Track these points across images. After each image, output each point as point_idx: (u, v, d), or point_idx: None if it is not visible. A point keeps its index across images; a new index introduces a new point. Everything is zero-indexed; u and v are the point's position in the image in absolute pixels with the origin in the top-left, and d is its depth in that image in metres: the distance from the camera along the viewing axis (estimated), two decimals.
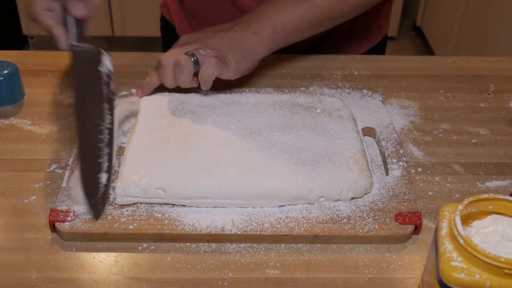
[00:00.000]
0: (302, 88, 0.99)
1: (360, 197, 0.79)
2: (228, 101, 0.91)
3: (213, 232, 0.74)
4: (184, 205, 0.77)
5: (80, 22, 0.86)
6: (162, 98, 0.91)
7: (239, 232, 0.74)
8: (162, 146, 0.82)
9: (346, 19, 0.98)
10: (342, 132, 0.85)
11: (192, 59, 0.86)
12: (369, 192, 0.80)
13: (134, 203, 0.77)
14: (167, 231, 0.74)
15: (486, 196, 0.63)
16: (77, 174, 0.77)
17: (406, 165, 0.84)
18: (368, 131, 0.90)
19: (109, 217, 0.75)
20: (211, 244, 0.74)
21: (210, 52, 0.87)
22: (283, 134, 0.84)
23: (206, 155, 0.80)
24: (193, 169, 0.78)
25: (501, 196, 0.63)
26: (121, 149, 0.85)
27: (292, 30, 0.92)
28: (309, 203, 0.78)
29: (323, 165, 0.79)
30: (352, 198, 0.78)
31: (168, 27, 1.29)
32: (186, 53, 0.87)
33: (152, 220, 0.75)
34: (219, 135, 0.84)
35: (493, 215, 0.64)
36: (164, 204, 0.77)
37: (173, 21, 1.25)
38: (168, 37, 1.32)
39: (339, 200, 0.78)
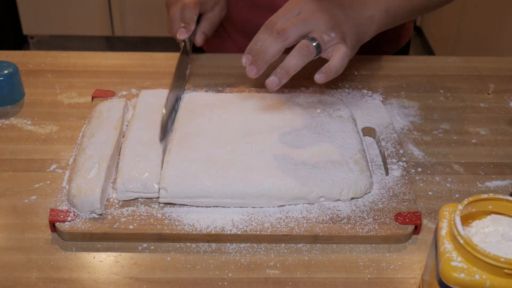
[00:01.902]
0: (302, 88, 0.99)
1: (360, 197, 0.79)
2: (228, 101, 0.91)
3: (213, 232, 0.74)
4: (184, 205, 0.77)
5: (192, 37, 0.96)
6: (160, 94, 0.91)
7: (239, 232, 0.74)
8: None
9: (440, 6, 0.97)
10: (342, 132, 0.85)
11: (314, 44, 0.77)
12: (369, 192, 0.80)
13: (134, 199, 0.77)
14: (167, 231, 0.74)
15: (486, 196, 0.63)
16: (79, 182, 0.76)
17: (406, 165, 0.84)
18: (368, 131, 0.90)
19: (109, 217, 0.75)
20: (211, 244, 0.74)
21: (334, 38, 0.78)
22: (283, 134, 0.84)
23: (206, 154, 0.80)
24: (192, 168, 0.78)
25: (501, 196, 0.63)
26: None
27: (401, 13, 0.90)
28: (309, 203, 0.78)
29: (323, 165, 0.79)
30: (352, 198, 0.78)
31: None
32: (308, 38, 0.77)
33: (152, 220, 0.75)
34: (218, 134, 0.84)
35: (493, 215, 0.64)
36: (163, 204, 0.77)
37: None
38: None
39: (339, 200, 0.78)
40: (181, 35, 0.93)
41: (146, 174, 0.77)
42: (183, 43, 0.94)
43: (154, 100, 0.90)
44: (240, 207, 0.77)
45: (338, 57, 0.77)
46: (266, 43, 0.77)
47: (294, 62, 0.76)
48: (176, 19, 0.94)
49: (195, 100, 0.91)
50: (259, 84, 1.00)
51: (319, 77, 0.76)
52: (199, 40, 0.97)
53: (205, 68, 1.05)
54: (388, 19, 0.88)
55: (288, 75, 0.76)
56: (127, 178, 0.77)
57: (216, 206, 0.77)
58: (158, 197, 0.77)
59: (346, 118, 0.88)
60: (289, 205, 0.77)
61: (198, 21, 0.96)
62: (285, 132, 0.85)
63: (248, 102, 0.91)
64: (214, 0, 0.99)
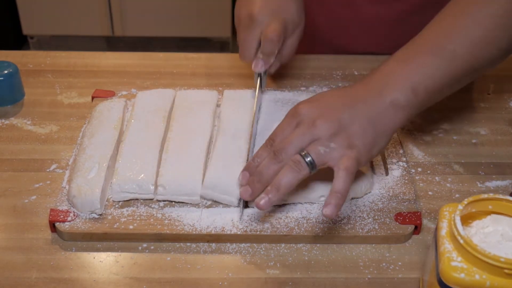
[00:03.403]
0: (302, 88, 0.99)
1: (360, 197, 0.79)
2: (226, 98, 0.91)
3: (213, 232, 0.74)
4: (184, 205, 0.77)
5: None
6: (157, 94, 0.91)
7: (239, 232, 0.74)
8: (158, 142, 0.82)
9: (492, 68, 0.79)
10: None
11: (307, 160, 0.69)
12: (369, 192, 0.79)
13: (131, 200, 0.77)
14: (167, 231, 0.74)
15: (486, 196, 0.63)
16: (79, 182, 0.76)
17: (406, 165, 0.84)
18: None
19: (109, 217, 0.75)
20: (211, 244, 0.74)
21: (334, 148, 0.69)
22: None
23: (204, 151, 0.80)
24: (190, 165, 0.78)
25: (501, 196, 0.63)
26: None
27: (435, 89, 0.74)
28: (309, 203, 0.78)
29: None
30: (352, 198, 0.78)
31: None
32: (301, 154, 0.69)
33: (152, 220, 0.75)
34: (217, 131, 0.84)
35: (493, 215, 0.64)
36: (163, 203, 0.77)
37: None
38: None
39: None
40: (258, 68, 0.86)
41: (142, 175, 0.77)
42: (257, 76, 0.88)
43: (151, 100, 0.90)
44: (239, 205, 0.77)
45: (338, 179, 0.68)
46: (263, 163, 0.72)
47: (285, 180, 0.69)
48: (252, 47, 0.86)
49: (191, 97, 0.91)
50: None
51: (327, 211, 0.67)
52: (273, 70, 0.90)
53: (205, 68, 1.05)
54: (419, 99, 0.73)
55: (279, 193, 0.69)
56: (123, 179, 0.77)
57: (216, 206, 0.77)
58: (154, 198, 0.77)
59: None
60: (289, 204, 0.77)
61: None
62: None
63: (247, 99, 0.91)
64: (295, 23, 0.89)
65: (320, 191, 0.77)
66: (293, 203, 0.77)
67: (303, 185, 0.76)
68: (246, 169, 0.74)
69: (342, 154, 0.69)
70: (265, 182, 0.71)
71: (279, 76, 1.03)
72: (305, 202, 0.78)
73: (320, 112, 0.71)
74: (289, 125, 0.73)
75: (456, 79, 0.75)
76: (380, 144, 0.72)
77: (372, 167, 0.84)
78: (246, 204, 0.77)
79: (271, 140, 0.73)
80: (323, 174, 0.78)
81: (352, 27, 1.08)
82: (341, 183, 0.68)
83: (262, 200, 0.69)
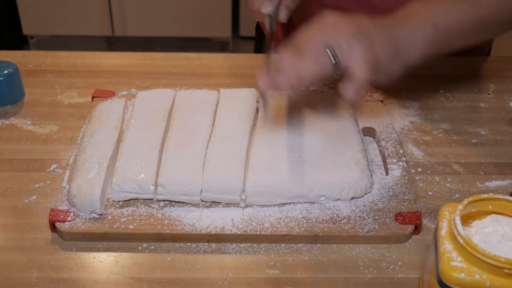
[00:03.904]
0: (302, 88, 0.99)
1: (360, 197, 0.79)
2: (227, 96, 0.91)
3: (213, 232, 0.74)
4: (184, 205, 0.77)
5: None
6: (157, 94, 0.91)
7: (239, 232, 0.74)
8: (158, 142, 0.82)
9: None
10: (343, 131, 0.85)
11: (330, 51, 0.69)
12: (369, 192, 0.80)
13: (131, 200, 0.77)
14: (167, 231, 0.74)
15: (486, 196, 0.63)
16: (79, 181, 0.76)
17: (406, 165, 0.84)
18: (368, 131, 0.90)
19: (109, 217, 0.75)
20: (211, 244, 0.74)
21: (356, 44, 0.70)
22: (283, 131, 0.84)
23: (204, 150, 0.81)
24: (190, 165, 0.78)
25: (501, 196, 0.63)
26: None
27: (454, 32, 0.77)
28: (309, 203, 0.78)
29: (323, 164, 0.79)
30: (352, 198, 0.78)
31: (260, 30, 1.22)
32: (327, 47, 0.70)
33: (152, 220, 0.75)
34: (218, 130, 0.84)
35: (493, 215, 0.64)
36: (163, 203, 0.77)
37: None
38: (260, 40, 1.24)
39: (339, 199, 0.78)
40: (266, 8, 0.84)
41: (142, 175, 0.77)
42: (268, 18, 0.86)
43: (151, 100, 0.90)
44: (240, 206, 0.77)
45: (357, 68, 0.69)
46: (284, 58, 0.72)
47: (306, 68, 0.69)
48: None
49: (191, 96, 0.91)
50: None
51: (348, 93, 0.68)
52: (283, 15, 0.87)
53: (205, 68, 1.05)
54: (438, 35, 0.75)
55: (300, 81, 0.69)
56: (123, 179, 0.77)
57: (216, 206, 0.77)
58: (154, 198, 0.77)
59: (347, 117, 0.88)
60: (289, 204, 0.77)
61: None
62: (286, 129, 0.85)
63: (248, 97, 0.91)
64: None
65: (320, 190, 0.77)
66: (293, 203, 0.77)
67: (304, 183, 0.77)
68: (266, 65, 0.74)
69: (362, 54, 0.69)
70: (286, 73, 0.70)
71: None
72: (305, 202, 0.78)
73: (345, 18, 0.73)
74: (311, 26, 0.73)
75: (475, 27, 0.78)
76: (396, 64, 0.73)
77: (371, 167, 0.84)
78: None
79: (295, 42, 0.73)
80: (324, 172, 0.78)
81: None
82: (359, 72, 0.68)
83: (282, 80, 0.69)
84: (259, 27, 1.23)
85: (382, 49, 0.72)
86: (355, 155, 0.81)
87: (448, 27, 0.76)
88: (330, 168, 0.79)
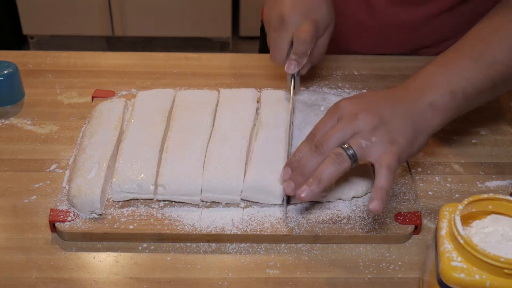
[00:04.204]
0: (302, 88, 0.99)
1: (361, 197, 0.79)
2: (227, 96, 0.91)
3: (213, 232, 0.74)
4: (184, 205, 0.77)
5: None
6: (157, 94, 0.91)
7: (239, 232, 0.74)
8: (158, 142, 0.82)
9: None
10: None
11: (349, 152, 0.69)
12: (370, 192, 0.79)
13: (131, 200, 0.77)
14: (167, 231, 0.74)
15: (486, 196, 0.63)
16: (79, 182, 0.76)
17: (406, 165, 0.84)
18: None
19: (109, 217, 0.75)
20: (211, 244, 0.74)
21: (376, 142, 0.70)
22: (285, 130, 0.84)
23: (204, 150, 0.81)
24: (190, 165, 0.78)
25: (501, 196, 0.63)
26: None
27: (474, 94, 0.75)
28: (309, 203, 0.78)
29: None
30: (353, 198, 0.78)
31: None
32: (343, 146, 0.70)
33: (152, 220, 0.75)
34: (218, 130, 0.84)
35: (493, 215, 0.64)
36: (163, 203, 0.77)
37: None
38: (265, 40, 1.25)
39: (340, 199, 0.78)
40: (291, 70, 0.85)
41: (142, 175, 0.77)
42: (291, 76, 0.88)
43: (151, 100, 0.90)
44: (240, 206, 0.77)
45: (381, 176, 0.68)
46: (304, 157, 0.72)
47: (327, 172, 0.69)
48: (284, 48, 0.86)
49: (191, 97, 0.91)
50: (259, 85, 1.00)
51: (374, 206, 0.67)
52: (304, 71, 0.89)
53: (205, 68, 1.05)
54: (457, 102, 0.74)
55: (321, 185, 0.69)
56: (123, 179, 0.77)
57: (216, 206, 0.77)
58: (154, 198, 0.77)
59: None
60: (289, 204, 0.77)
61: None
62: (287, 129, 0.85)
63: (248, 97, 0.91)
64: (327, 23, 0.88)
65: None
66: (293, 203, 0.77)
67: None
68: (287, 164, 0.74)
69: (383, 149, 0.70)
70: (307, 175, 0.71)
71: (279, 76, 1.03)
72: (305, 202, 0.77)
73: (362, 107, 0.72)
74: (330, 119, 0.74)
75: (494, 85, 0.76)
76: (419, 142, 0.73)
77: (373, 166, 0.84)
78: (288, 201, 0.77)
79: (312, 135, 0.74)
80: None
81: (371, 32, 1.08)
82: (384, 180, 0.68)
83: (304, 192, 0.69)
84: (263, 28, 1.23)
85: (403, 136, 0.71)
86: None
87: (467, 92, 0.75)
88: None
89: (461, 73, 0.75)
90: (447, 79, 0.75)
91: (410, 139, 0.71)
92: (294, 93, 0.89)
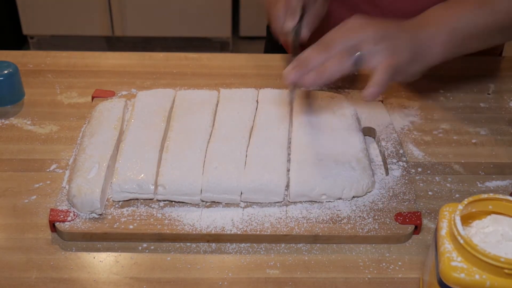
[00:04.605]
0: (302, 88, 0.99)
1: (361, 197, 0.79)
2: (227, 96, 0.91)
3: (213, 232, 0.74)
4: (184, 205, 0.77)
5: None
6: (157, 94, 0.91)
7: (239, 232, 0.74)
8: (158, 142, 0.82)
9: None
10: (345, 130, 0.85)
11: (354, 55, 0.74)
12: (371, 191, 0.79)
13: (131, 200, 0.77)
14: (167, 231, 0.74)
15: (486, 196, 0.63)
16: (79, 181, 0.76)
17: (406, 165, 0.84)
18: (368, 131, 0.90)
19: (109, 217, 0.75)
20: (211, 244, 0.74)
21: (380, 50, 0.74)
22: (285, 130, 0.84)
23: (204, 150, 0.81)
24: (190, 165, 0.78)
25: (501, 196, 0.63)
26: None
27: (471, 36, 0.82)
28: (309, 203, 0.78)
29: (325, 163, 0.79)
30: (354, 197, 0.78)
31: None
32: (352, 49, 0.74)
33: (152, 220, 0.75)
34: (218, 130, 0.84)
35: (493, 215, 0.64)
36: (163, 203, 0.77)
37: None
38: (270, 40, 1.25)
39: (340, 198, 0.78)
40: (289, 22, 0.88)
41: (142, 175, 0.77)
42: (292, 35, 0.89)
43: (151, 100, 0.90)
44: (241, 206, 0.77)
45: (378, 72, 0.73)
46: (310, 54, 0.75)
47: (329, 68, 0.73)
48: (281, 13, 0.90)
49: (191, 96, 0.91)
50: (259, 85, 1.00)
51: (367, 92, 0.73)
52: (305, 33, 0.91)
53: (205, 68, 1.05)
54: (455, 41, 0.81)
55: (322, 78, 0.73)
56: (123, 179, 0.77)
57: (216, 206, 0.77)
58: (154, 198, 0.77)
59: (349, 116, 0.88)
60: (289, 204, 0.77)
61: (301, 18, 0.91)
62: (287, 128, 0.85)
63: (248, 97, 0.91)
64: None
65: (321, 189, 0.77)
66: (293, 203, 0.77)
67: (305, 181, 0.76)
68: (294, 61, 0.77)
69: (385, 58, 0.74)
70: (310, 68, 0.74)
71: (279, 76, 1.03)
72: (305, 202, 0.78)
73: (370, 23, 0.77)
74: (340, 28, 0.77)
75: (494, 31, 0.83)
76: (416, 66, 0.78)
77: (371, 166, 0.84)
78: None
79: (320, 40, 0.77)
80: (326, 170, 0.78)
81: None
82: (380, 75, 0.73)
83: (306, 76, 0.73)
84: (269, 27, 1.24)
85: (404, 53, 0.76)
86: (357, 154, 0.81)
87: (466, 31, 0.81)
88: (331, 167, 0.79)
89: (464, 14, 0.81)
90: (449, 17, 0.81)
91: (409, 58, 0.76)
92: (295, 50, 0.89)
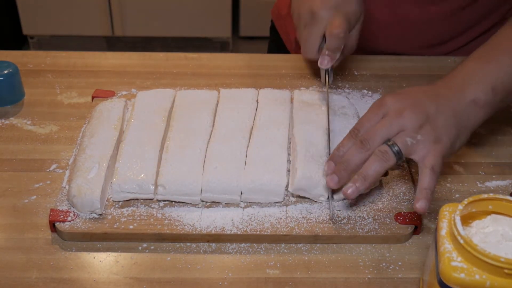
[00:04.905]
0: (302, 88, 0.99)
1: (364, 193, 0.78)
2: (227, 96, 0.91)
3: (213, 232, 0.74)
4: (184, 205, 0.77)
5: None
6: (157, 94, 0.91)
7: (239, 232, 0.74)
8: (158, 142, 0.82)
9: None
10: (346, 129, 0.85)
11: (394, 150, 0.71)
12: (375, 186, 0.79)
13: (131, 200, 0.77)
14: (167, 231, 0.74)
15: (486, 196, 0.63)
16: (79, 182, 0.76)
17: (406, 165, 0.84)
18: None
19: (109, 217, 0.75)
20: (211, 244, 0.74)
21: (421, 140, 0.71)
22: (286, 129, 0.84)
23: (203, 150, 0.81)
24: (190, 165, 0.78)
25: (501, 196, 0.63)
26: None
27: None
28: (309, 203, 0.78)
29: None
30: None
31: (275, 31, 1.24)
32: (388, 143, 0.72)
33: (152, 220, 0.75)
34: (218, 130, 0.84)
35: (493, 215, 0.64)
36: (163, 203, 0.77)
37: (283, 30, 1.20)
38: (274, 41, 1.25)
39: (345, 199, 0.78)
40: (325, 65, 0.86)
41: (142, 175, 0.77)
42: (324, 71, 0.89)
43: (151, 100, 0.90)
44: (241, 206, 0.77)
45: (426, 177, 0.70)
46: (349, 152, 0.73)
47: (372, 169, 0.71)
48: (316, 43, 0.87)
49: (191, 96, 0.91)
50: (259, 85, 1.00)
51: (420, 205, 0.69)
52: (336, 64, 0.90)
53: (205, 68, 1.05)
54: (497, 97, 0.76)
55: (366, 182, 0.71)
56: (123, 179, 0.77)
57: (216, 206, 0.77)
58: (154, 198, 0.77)
59: (350, 116, 0.88)
60: (289, 203, 0.77)
61: None
62: (287, 128, 0.85)
63: (249, 96, 0.91)
64: (357, 16, 0.89)
65: (322, 189, 0.76)
66: (293, 203, 0.77)
67: (306, 180, 0.76)
68: (330, 159, 0.75)
69: (428, 148, 0.71)
70: (351, 171, 0.72)
71: (279, 76, 1.03)
72: (305, 202, 0.78)
73: (406, 104, 0.73)
74: (375, 115, 0.74)
75: None
76: (461, 140, 0.75)
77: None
78: (332, 196, 0.77)
79: (355, 130, 0.75)
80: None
81: (391, 28, 1.07)
82: (429, 180, 0.69)
83: (350, 189, 0.71)
84: (273, 28, 1.24)
85: (447, 134, 0.73)
86: None
87: (508, 87, 0.77)
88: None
89: (501, 68, 0.77)
90: (488, 75, 0.76)
91: (453, 137, 0.73)
92: (329, 87, 0.89)
